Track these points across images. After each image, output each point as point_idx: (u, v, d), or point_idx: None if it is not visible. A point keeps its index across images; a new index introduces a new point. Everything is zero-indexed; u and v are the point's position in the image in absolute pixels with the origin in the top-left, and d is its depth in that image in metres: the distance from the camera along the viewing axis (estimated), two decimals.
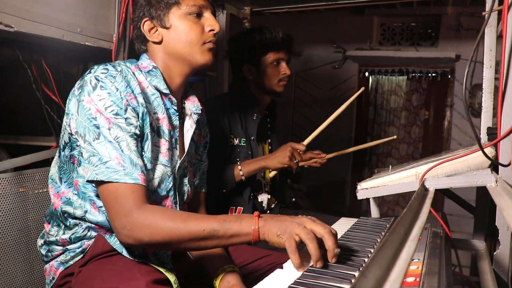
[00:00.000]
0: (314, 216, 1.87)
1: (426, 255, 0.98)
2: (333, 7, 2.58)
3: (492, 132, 1.34)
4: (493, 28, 1.41)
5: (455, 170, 1.27)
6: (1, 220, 1.31)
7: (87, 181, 1.07)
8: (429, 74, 3.85)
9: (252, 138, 1.82)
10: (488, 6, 1.33)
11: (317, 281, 0.88)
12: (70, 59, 1.74)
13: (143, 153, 1.15)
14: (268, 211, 1.85)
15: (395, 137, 2.10)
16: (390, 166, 1.55)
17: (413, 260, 0.94)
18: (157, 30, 1.22)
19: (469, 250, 1.37)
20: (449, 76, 3.79)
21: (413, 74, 3.91)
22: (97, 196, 1.13)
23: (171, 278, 1.16)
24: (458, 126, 3.71)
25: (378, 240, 1.17)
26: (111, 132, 1.06)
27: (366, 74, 4.08)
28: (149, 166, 1.16)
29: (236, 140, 1.78)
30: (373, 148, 4.17)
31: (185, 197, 1.32)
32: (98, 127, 1.06)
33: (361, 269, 0.94)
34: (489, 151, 1.20)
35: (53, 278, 1.21)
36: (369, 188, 1.39)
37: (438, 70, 3.82)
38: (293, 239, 0.95)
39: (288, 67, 1.83)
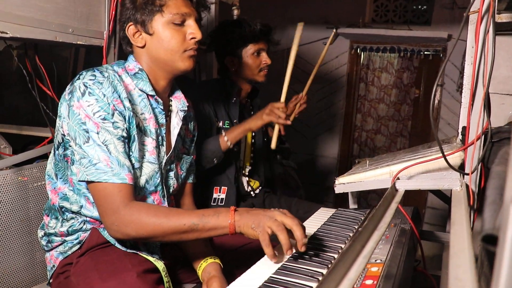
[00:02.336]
0: (298, 204, 1.98)
1: (389, 255, 1.08)
2: None
3: (464, 133, 1.42)
4: (474, 26, 1.47)
5: (427, 169, 1.36)
6: (4, 212, 1.39)
7: (79, 181, 1.17)
8: (421, 53, 3.88)
9: (234, 121, 1.90)
10: (470, 7, 1.38)
11: (287, 279, 0.98)
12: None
13: (131, 153, 1.24)
14: (252, 193, 1.95)
15: (334, 31, 2.12)
16: (368, 161, 1.64)
17: (376, 261, 1.05)
18: (141, 34, 1.28)
19: (436, 242, 1.48)
20: (441, 55, 3.82)
21: (405, 52, 3.94)
22: None
23: (160, 266, 1.26)
24: (447, 106, 3.78)
25: (350, 235, 1.27)
26: (100, 136, 1.14)
27: (358, 50, 4.10)
28: (137, 165, 1.25)
29: (220, 123, 1.87)
30: (363, 125, 4.25)
31: (171, 190, 1.41)
32: (87, 131, 1.14)
33: (329, 266, 1.05)
34: (460, 154, 1.29)
35: (54, 266, 1.31)
36: (346, 183, 1.48)
37: (430, 49, 3.85)
38: (266, 232, 1.04)
39: (268, 57, 1.91)
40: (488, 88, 1.13)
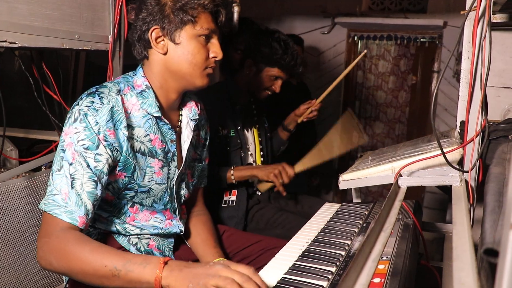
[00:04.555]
0: (302, 200, 2.02)
1: (394, 252, 1.13)
2: None
3: (463, 129, 1.47)
4: (473, 21, 1.50)
5: (428, 165, 1.41)
6: (18, 218, 1.43)
7: (39, 207, 1.11)
8: (417, 40, 3.91)
9: (238, 128, 1.93)
10: (468, 5, 1.41)
11: (299, 279, 1.02)
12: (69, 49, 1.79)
13: (133, 181, 1.22)
14: (259, 193, 1.99)
15: (365, 51, 2.15)
16: (370, 156, 1.69)
17: (382, 258, 1.10)
18: (163, 40, 1.22)
19: (437, 232, 1.54)
20: (437, 42, 3.85)
21: (402, 40, 3.96)
22: (101, 209, 1.24)
23: None
24: (444, 92, 3.82)
25: (356, 231, 1.32)
26: (71, 168, 1.09)
27: (355, 39, 4.12)
28: (142, 189, 1.25)
29: (225, 130, 1.88)
30: (362, 112, 4.29)
31: (182, 200, 1.42)
32: (63, 159, 1.10)
33: (337, 264, 1.10)
34: (459, 150, 1.33)
35: None
36: (350, 180, 1.53)
37: (426, 36, 3.88)
38: None
39: (280, 86, 1.91)
40: (485, 92, 1.18)
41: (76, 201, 1.08)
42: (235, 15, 2.31)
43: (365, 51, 2.17)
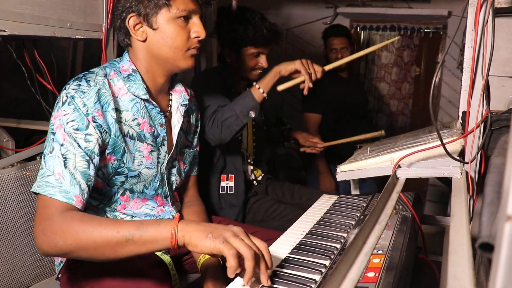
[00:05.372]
0: (300, 191, 1.98)
1: (391, 245, 1.10)
2: None
3: (465, 119, 1.43)
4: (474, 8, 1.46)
5: (428, 156, 1.37)
6: (11, 208, 1.42)
7: (31, 191, 1.09)
8: (421, 30, 3.85)
9: None
10: None
11: (291, 272, 0.99)
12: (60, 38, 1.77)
13: (122, 164, 1.21)
14: (255, 182, 1.96)
15: (382, 133, 2.08)
16: (369, 148, 1.65)
17: (377, 252, 1.07)
18: (142, 27, 1.21)
19: (437, 226, 1.50)
20: (441, 33, 3.79)
21: (405, 30, 3.90)
22: (91, 197, 1.21)
23: (166, 260, 1.29)
24: (447, 83, 3.77)
25: (353, 224, 1.29)
26: (62, 148, 1.08)
27: (358, 29, 4.06)
28: (132, 174, 1.24)
29: None
30: None
31: (174, 186, 1.41)
32: (53, 141, 1.09)
33: (332, 257, 1.07)
34: (460, 140, 1.30)
35: (61, 261, 1.33)
36: (347, 171, 1.50)
37: (430, 27, 3.82)
38: (231, 244, 0.87)
39: (266, 60, 1.85)
40: (487, 79, 1.14)
41: (70, 180, 1.07)
42: (234, 5, 2.28)
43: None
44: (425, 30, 3.83)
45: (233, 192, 1.84)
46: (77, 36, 1.46)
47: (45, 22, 1.35)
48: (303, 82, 1.64)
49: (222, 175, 1.87)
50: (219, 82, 1.85)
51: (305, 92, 1.64)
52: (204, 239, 0.89)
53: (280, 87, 1.66)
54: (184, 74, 1.89)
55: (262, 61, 1.86)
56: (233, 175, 1.87)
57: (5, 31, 1.23)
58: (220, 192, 1.85)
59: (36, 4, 1.32)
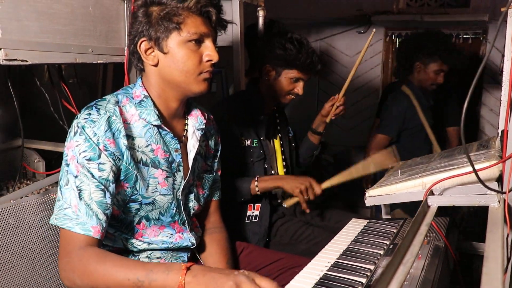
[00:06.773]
0: (330, 213, 1.91)
1: (419, 284, 1.02)
2: None
3: (503, 140, 1.32)
4: None
5: (462, 181, 1.27)
6: (37, 232, 1.42)
7: (50, 223, 1.13)
8: (460, 36, 3.67)
9: (261, 138, 1.86)
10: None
11: None
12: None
13: (136, 192, 1.20)
14: (284, 205, 1.91)
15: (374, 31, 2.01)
16: (399, 170, 1.56)
17: None
18: (153, 51, 1.20)
19: (474, 254, 1.40)
20: (482, 38, 3.61)
21: None
22: (108, 224, 1.20)
23: None
24: (488, 91, 3.58)
25: (381, 253, 1.22)
26: (76, 180, 1.10)
27: (393, 37, 3.94)
28: (146, 201, 1.22)
29: (248, 141, 1.82)
30: None
31: (192, 213, 1.38)
32: (68, 173, 1.11)
33: None
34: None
35: None
36: (376, 196, 1.42)
37: (469, 32, 3.64)
38: None
39: (303, 88, 1.85)
40: None
41: (87, 212, 1.09)
42: (260, 20, 2.24)
43: (374, 31, 2.00)
44: (464, 36, 3.66)
45: (257, 220, 1.81)
46: (99, 61, 1.47)
47: (67, 49, 1.36)
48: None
49: (249, 204, 1.85)
50: (245, 108, 1.82)
51: (306, 210, 1.77)
52: None
53: (287, 204, 1.85)
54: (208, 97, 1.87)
55: (299, 87, 1.85)
56: (260, 204, 1.86)
57: (27, 61, 1.25)
58: (246, 221, 1.82)
59: (57, 32, 1.34)
